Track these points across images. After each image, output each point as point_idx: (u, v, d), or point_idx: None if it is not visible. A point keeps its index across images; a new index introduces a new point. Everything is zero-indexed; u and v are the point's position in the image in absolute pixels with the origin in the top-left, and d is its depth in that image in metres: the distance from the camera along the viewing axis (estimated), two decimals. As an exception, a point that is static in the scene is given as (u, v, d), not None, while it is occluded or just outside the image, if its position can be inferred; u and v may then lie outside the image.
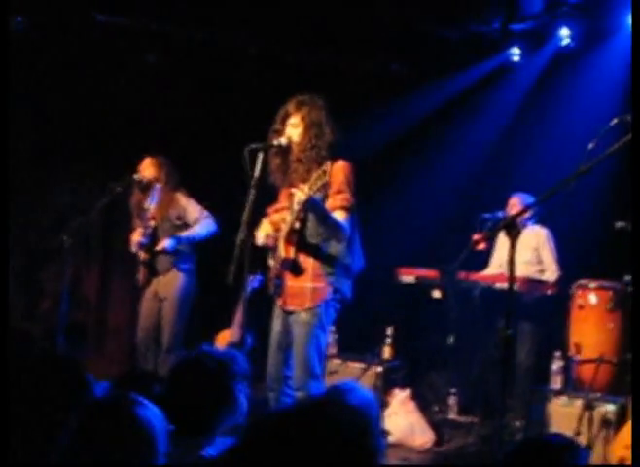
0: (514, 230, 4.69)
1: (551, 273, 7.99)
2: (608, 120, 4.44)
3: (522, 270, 7.77)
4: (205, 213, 7.47)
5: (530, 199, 7.71)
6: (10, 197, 5.09)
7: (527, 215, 7.65)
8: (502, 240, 7.71)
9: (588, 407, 6.61)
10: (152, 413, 2.73)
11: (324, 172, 5.17)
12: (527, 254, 7.99)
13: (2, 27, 3.36)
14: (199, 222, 7.43)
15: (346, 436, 2.01)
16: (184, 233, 7.39)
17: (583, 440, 6.47)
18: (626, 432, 6.32)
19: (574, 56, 9.33)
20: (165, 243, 7.33)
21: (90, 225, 7.57)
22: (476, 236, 7.09)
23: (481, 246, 7.71)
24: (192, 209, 7.48)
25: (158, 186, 7.38)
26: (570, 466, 2.80)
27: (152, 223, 7.39)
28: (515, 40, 9.73)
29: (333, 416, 2.31)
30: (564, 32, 9.25)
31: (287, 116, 5.55)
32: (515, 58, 9.82)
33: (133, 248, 7.49)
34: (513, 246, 4.60)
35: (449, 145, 9.66)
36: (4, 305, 3.46)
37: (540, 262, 8.05)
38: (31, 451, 2.84)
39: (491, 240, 7.76)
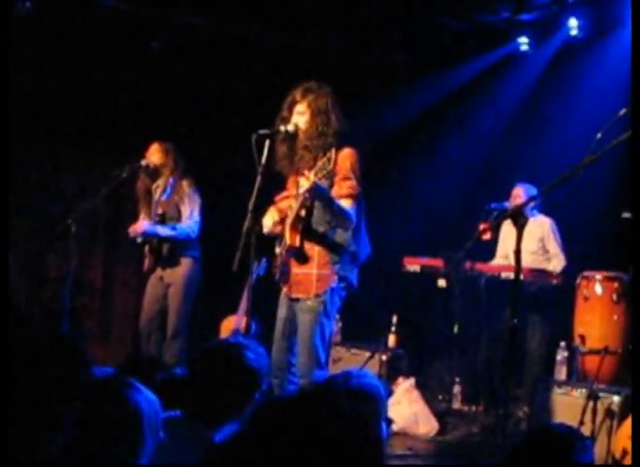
0: (520, 219, 4.68)
1: (557, 262, 7.99)
2: (616, 111, 4.41)
3: (528, 261, 7.75)
4: (194, 217, 7.44)
5: (533, 190, 7.72)
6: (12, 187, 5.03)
7: (531, 205, 7.65)
8: (507, 231, 7.74)
9: (593, 397, 6.57)
10: (144, 397, 2.75)
11: (329, 159, 5.18)
12: (533, 244, 7.98)
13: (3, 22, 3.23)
14: (185, 223, 7.42)
15: (349, 423, 2.00)
16: (163, 231, 7.37)
17: (586, 430, 6.43)
18: (629, 424, 6.33)
19: (582, 47, 9.30)
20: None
21: (96, 210, 7.60)
22: (482, 226, 7.07)
23: (487, 236, 7.69)
24: (187, 205, 7.46)
25: (171, 180, 7.41)
26: (575, 457, 2.80)
27: (159, 214, 7.41)
28: (524, 30, 9.67)
29: (335, 403, 2.30)
30: (573, 23, 9.21)
31: (294, 103, 5.52)
32: (524, 48, 9.76)
33: (131, 234, 7.48)
34: (519, 236, 4.60)
35: (457, 135, 9.69)
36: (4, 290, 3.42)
37: (546, 252, 8.05)
38: (30, 430, 2.87)
39: (496, 231, 7.76)
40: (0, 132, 4.45)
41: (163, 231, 7.37)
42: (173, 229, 7.36)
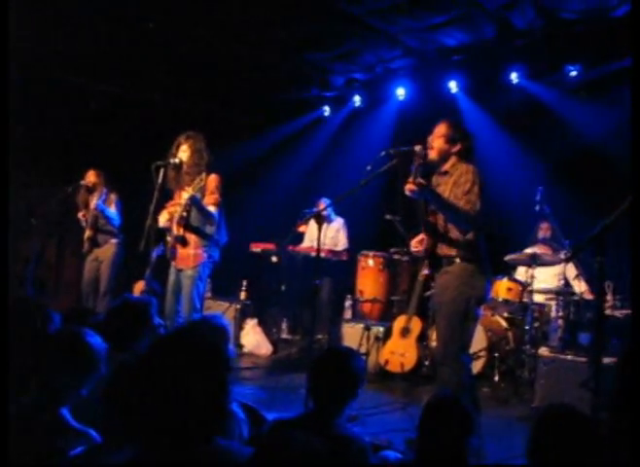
0: (320, 219, 4.79)
1: (341, 245, 8.10)
2: (379, 152, 4.43)
3: (329, 244, 7.90)
4: (116, 212, 7.31)
5: (329, 201, 7.83)
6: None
7: (327, 210, 7.79)
8: (312, 226, 7.76)
9: (367, 329, 6.71)
10: (96, 339, 2.62)
11: (201, 180, 5.20)
12: (331, 233, 8.12)
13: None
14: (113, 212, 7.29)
15: (210, 344, 2.01)
16: (107, 211, 7.21)
17: (363, 349, 6.56)
18: (389, 344, 6.50)
19: (362, 113, 9.47)
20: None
21: (51, 212, 7.38)
22: (299, 223, 7.14)
23: (302, 229, 7.81)
24: (113, 209, 7.30)
25: (104, 192, 7.24)
26: (352, 363, 2.88)
27: (94, 215, 7.24)
28: (327, 102, 9.82)
29: (202, 332, 2.32)
30: (357, 98, 9.42)
31: (179, 144, 5.48)
32: (327, 113, 9.92)
33: (81, 219, 7.35)
34: (320, 229, 4.68)
35: (284, 167, 9.63)
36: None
37: (338, 238, 8.18)
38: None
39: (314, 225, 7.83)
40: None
41: (108, 212, 7.20)
42: (110, 212, 7.22)
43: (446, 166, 4.19)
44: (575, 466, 2.02)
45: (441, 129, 4.20)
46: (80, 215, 7.38)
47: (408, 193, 3.87)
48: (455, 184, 4.04)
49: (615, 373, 1.84)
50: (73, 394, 2.40)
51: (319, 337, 7.30)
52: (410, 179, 3.85)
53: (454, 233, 4.07)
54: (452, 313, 3.99)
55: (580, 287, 6.42)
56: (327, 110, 9.86)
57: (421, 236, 4.29)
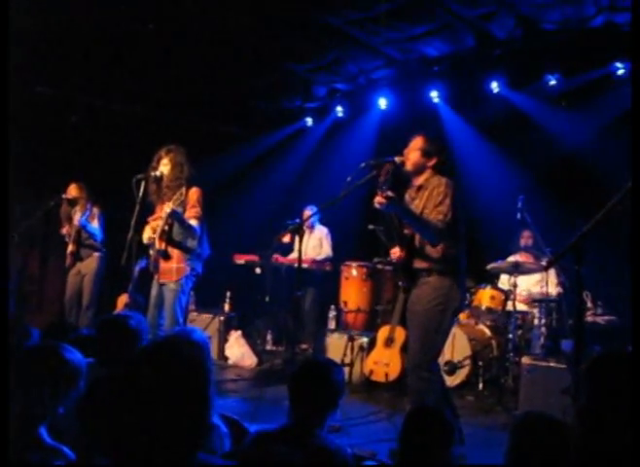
0: (301, 230, 4.81)
1: (324, 254, 8.11)
2: (359, 163, 4.43)
3: (311, 254, 7.92)
4: (99, 227, 7.31)
5: (315, 209, 7.85)
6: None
7: (312, 219, 7.80)
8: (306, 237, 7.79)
9: (351, 339, 6.69)
10: (75, 354, 2.53)
11: (181, 194, 5.20)
12: (315, 242, 8.13)
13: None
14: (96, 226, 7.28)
15: (190, 358, 1.99)
16: (90, 226, 7.19)
17: (347, 359, 6.55)
18: (373, 354, 6.49)
19: (345, 124, 9.50)
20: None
21: (33, 226, 7.36)
22: (281, 234, 7.12)
23: (286, 240, 7.79)
24: (96, 223, 7.30)
25: (88, 207, 7.24)
26: (332, 375, 2.87)
27: (78, 230, 7.23)
28: (309, 113, 9.85)
29: (180, 346, 2.31)
30: (339, 108, 9.45)
31: (160, 158, 5.47)
32: (309, 124, 9.94)
33: (63, 233, 7.37)
34: (300, 241, 4.71)
35: (268, 178, 9.65)
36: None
37: (321, 247, 8.18)
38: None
39: (294, 236, 7.83)
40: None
41: (90, 228, 7.18)
42: (92, 227, 7.21)
43: (420, 180, 4.27)
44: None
45: (417, 143, 4.28)
46: (63, 230, 7.38)
47: (377, 205, 3.93)
48: (429, 197, 4.11)
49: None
50: (51, 411, 2.34)
51: (304, 347, 7.28)
52: (379, 192, 3.89)
53: (430, 247, 4.12)
54: (426, 324, 4.05)
55: (560, 294, 6.48)
56: (309, 121, 9.88)
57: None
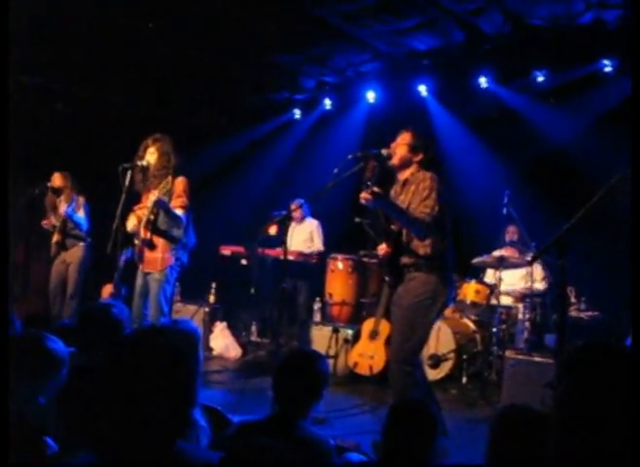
0: (287, 221, 4.80)
1: (315, 247, 8.09)
2: (347, 155, 4.42)
3: (300, 247, 7.89)
4: (85, 216, 7.26)
5: (303, 201, 7.82)
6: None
7: (303, 211, 7.75)
8: (289, 228, 7.75)
9: (336, 331, 6.70)
10: (57, 344, 2.52)
11: (167, 183, 5.16)
12: (305, 235, 8.10)
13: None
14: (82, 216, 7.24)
15: (175, 348, 1.97)
16: (76, 216, 7.14)
17: (332, 352, 6.57)
18: (358, 346, 6.50)
19: (332, 116, 9.48)
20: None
21: (17, 215, 7.29)
22: (267, 225, 7.09)
23: (272, 231, 7.75)
24: (82, 213, 7.25)
25: (74, 196, 7.19)
26: (317, 367, 2.88)
27: (63, 220, 7.18)
28: (297, 105, 9.82)
29: (167, 336, 2.29)
30: (327, 101, 9.43)
31: (147, 147, 5.44)
32: (297, 116, 9.92)
33: (45, 226, 7.34)
34: (286, 232, 4.71)
35: (255, 170, 9.62)
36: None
37: (311, 240, 8.16)
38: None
39: (281, 227, 7.80)
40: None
41: (76, 217, 7.14)
42: (78, 217, 7.16)
43: (406, 174, 4.28)
44: (529, 463, 2.06)
45: (405, 138, 4.29)
46: (44, 223, 7.33)
47: (362, 201, 3.92)
48: (415, 192, 4.12)
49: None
50: (31, 401, 2.31)
51: (290, 340, 7.26)
52: (364, 188, 3.88)
53: (417, 242, 4.12)
54: (411, 318, 4.06)
55: (546, 289, 6.52)
56: (297, 113, 9.86)
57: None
